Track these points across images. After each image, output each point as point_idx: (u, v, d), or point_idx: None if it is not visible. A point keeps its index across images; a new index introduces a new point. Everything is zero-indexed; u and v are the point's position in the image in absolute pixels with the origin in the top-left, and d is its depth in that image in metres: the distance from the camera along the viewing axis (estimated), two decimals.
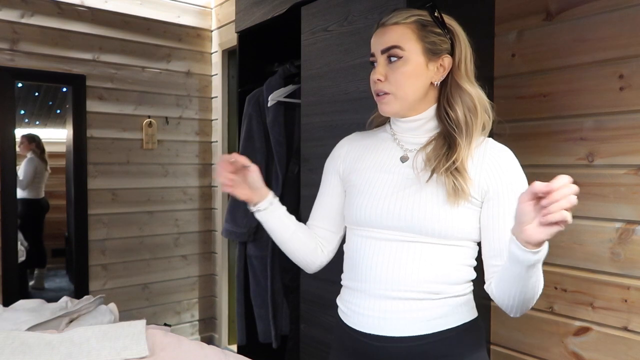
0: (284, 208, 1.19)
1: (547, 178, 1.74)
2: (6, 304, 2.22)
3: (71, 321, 1.97)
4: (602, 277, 1.51)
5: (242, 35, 2.47)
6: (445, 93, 1.07)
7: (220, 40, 3.34)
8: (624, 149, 1.46)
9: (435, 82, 1.06)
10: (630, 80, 1.44)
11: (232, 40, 3.05)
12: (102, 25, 2.98)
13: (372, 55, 1.08)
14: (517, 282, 0.91)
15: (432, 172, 1.02)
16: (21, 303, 2.11)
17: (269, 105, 2.27)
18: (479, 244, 1.08)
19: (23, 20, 2.73)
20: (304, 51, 1.93)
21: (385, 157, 1.11)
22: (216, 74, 3.40)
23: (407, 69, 1.03)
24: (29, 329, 1.82)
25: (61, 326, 1.91)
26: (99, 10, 2.96)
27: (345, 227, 1.18)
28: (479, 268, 1.10)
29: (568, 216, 0.75)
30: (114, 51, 3.04)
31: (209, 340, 3.44)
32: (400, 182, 1.06)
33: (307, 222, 1.24)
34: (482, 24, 1.76)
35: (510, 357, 1.74)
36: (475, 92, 1.06)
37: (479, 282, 1.13)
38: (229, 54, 3.30)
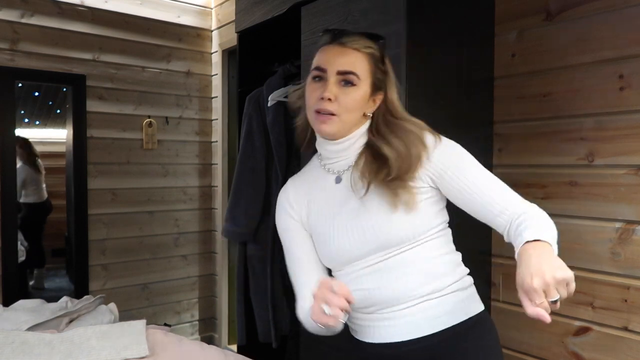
0: None
1: (547, 178, 1.75)
2: (6, 304, 2.22)
3: (71, 321, 1.98)
4: (602, 277, 1.51)
5: (242, 35, 2.47)
6: (374, 125, 1.08)
7: (220, 40, 3.34)
8: (624, 149, 1.46)
9: (367, 114, 1.08)
10: (630, 80, 1.44)
11: (232, 40, 3.05)
12: (102, 25, 2.98)
13: (321, 69, 1.05)
14: None
15: (368, 186, 1.03)
16: (21, 303, 2.11)
17: (269, 105, 2.27)
18: (449, 223, 1.10)
19: (23, 20, 2.72)
20: (304, 51, 1.93)
21: (328, 194, 1.11)
22: (216, 74, 3.40)
23: (357, 97, 1.04)
24: (29, 329, 1.82)
25: (61, 326, 1.91)
26: (99, 10, 2.96)
27: None
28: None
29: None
30: (114, 51, 3.04)
31: (209, 340, 3.44)
32: (351, 212, 1.06)
33: (302, 292, 1.11)
34: (482, 24, 1.76)
35: (510, 357, 1.74)
36: (407, 125, 1.07)
37: (477, 281, 1.13)
38: (229, 54, 3.30)
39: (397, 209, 1.01)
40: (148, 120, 3.17)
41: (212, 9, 3.42)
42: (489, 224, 1.03)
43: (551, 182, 1.62)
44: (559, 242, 0.92)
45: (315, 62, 1.08)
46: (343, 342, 1.15)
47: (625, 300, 1.46)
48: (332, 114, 1.03)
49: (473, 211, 1.04)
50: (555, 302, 0.77)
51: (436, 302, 1.04)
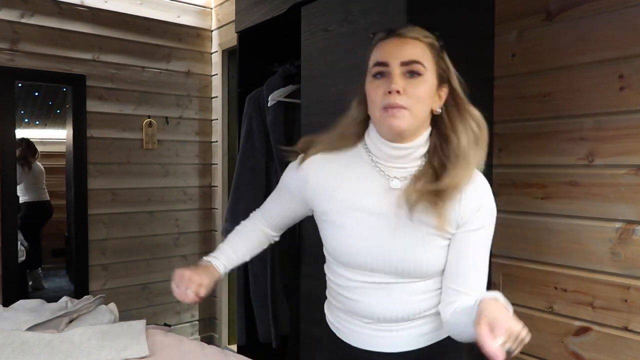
0: (229, 253, 1.23)
1: (547, 178, 1.74)
2: (6, 304, 2.22)
3: (71, 321, 1.98)
4: (602, 277, 1.51)
5: (242, 35, 2.47)
6: (443, 122, 1.02)
7: (220, 40, 3.34)
8: (624, 149, 1.46)
9: (436, 109, 1.01)
10: (630, 80, 1.44)
11: (232, 40, 3.05)
12: (102, 25, 2.98)
13: (383, 64, 0.98)
14: None
15: (416, 202, 0.97)
16: (21, 303, 2.11)
17: (269, 105, 2.27)
18: None
19: (23, 20, 2.72)
20: (304, 51, 1.93)
21: (369, 191, 1.03)
22: (216, 74, 3.40)
23: (426, 87, 0.97)
24: (29, 329, 1.82)
25: (61, 326, 1.91)
26: (99, 10, 2.96)
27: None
28: None
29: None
30: (114, 51, 3.04)
31: (209, 340, 3.44)
32: (388, 222, 1.01)
33: (259, 212, 1.28)
34: (482, 24, 1.76)
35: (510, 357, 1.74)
36: (481, 120, 1.02)
37: None
38: (229, 54, 3.30)
39: (433, 231, 0.98)
40: (148, 120, 3.17)
41: (212, 9, 3.42)
42: (443, 289, 1.03)
43: (551, 182, 1.62)
44: None
45: (374, 58, 1.00)
46: (337, 346, 1.15)
47: (625, 300, 1.46)
48: (403, 107, 0.95)
49: (446, 269, 1.02)
50: (508, 352, 0.75)
51: (431, 319, 1.07)
